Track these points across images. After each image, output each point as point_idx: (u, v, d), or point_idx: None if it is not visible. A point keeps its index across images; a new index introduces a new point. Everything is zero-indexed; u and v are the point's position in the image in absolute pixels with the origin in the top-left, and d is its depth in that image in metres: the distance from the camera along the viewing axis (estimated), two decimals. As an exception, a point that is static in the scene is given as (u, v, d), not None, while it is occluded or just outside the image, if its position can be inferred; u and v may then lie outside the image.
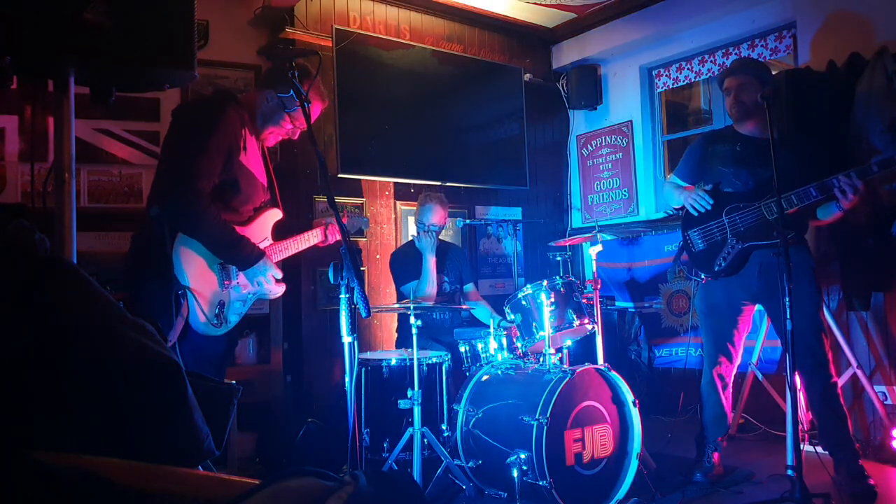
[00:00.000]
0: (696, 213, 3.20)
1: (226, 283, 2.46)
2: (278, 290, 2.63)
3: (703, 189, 3.21)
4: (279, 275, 2.58)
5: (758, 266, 3.09)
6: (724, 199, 3.15)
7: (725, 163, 3.19)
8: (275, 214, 2.71)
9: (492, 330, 3.29)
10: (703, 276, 3.21)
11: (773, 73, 3.63)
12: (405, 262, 3.95)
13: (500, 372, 3.13)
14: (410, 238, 4.20)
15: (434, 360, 3.25)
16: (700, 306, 3.32)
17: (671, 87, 5.20)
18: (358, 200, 4.52)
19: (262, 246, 2.58)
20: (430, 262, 3.79)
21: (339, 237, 2.81)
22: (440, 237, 4.03)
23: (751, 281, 3.11)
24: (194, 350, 2.38)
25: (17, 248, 1.06)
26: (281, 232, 2.75)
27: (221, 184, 2.43)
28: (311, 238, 2.82)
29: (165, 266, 2.30)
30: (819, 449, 3.06)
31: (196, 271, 2.36)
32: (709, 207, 3.15)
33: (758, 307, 3.25)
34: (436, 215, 3.89)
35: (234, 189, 2.47)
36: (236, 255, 2.45)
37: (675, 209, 3.35)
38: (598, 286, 3.43)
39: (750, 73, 3.15)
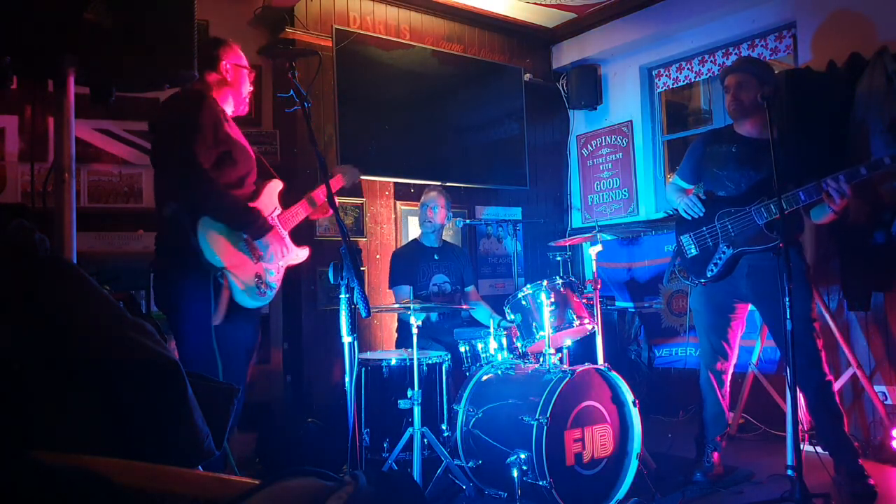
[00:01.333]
0: (689, 218, 3.21)
1: (257, 255, 2.60)
2: (302, 255, 2.84)
3: (697, 195, 3.23)
4: (287, 249, 2.75)
5: (746, 268, 3.10)
6: (717, 204, 3.16)
7: (720, 165, 3.19)
8: (277, 185, 2.82)
9: (492, 330, 3.29)
10: (697, 282, 3.23)
11: (774, 73, 3.63)
12: (403, 263, 3.97)
13: (500, 372, 3.13)
14: (413, 238, 4.21)
15: (434, 360, 3.25)
16: (694, 305, 3.33)
17: (671, 87, 5.20)
18: (358, 200, 4.52)
19: (274, 215, 2.75)
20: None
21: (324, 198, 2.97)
22: (443, 237, 4.06)
23: (739, 282, 3.12)
24: (228, 335, 2.49)
25: (17, 248, 1.06)
26: (287, 201, 2.90)
27: (218, 157, 2.51)
28: (310, 203, 2.93)
29: (196, 257, 2.40)
30: (819, 449, 3.06)
31: (226, 251, 2.48)
32: (700, 215, 3.17)
33: (752, 307, 3.26)
34: (438, 200, 4.00)
35: (230, 160, 2.56)
36: (250, 224, 2.56)
37: (675, 210, 3.36)
38: (598, 286, 3.43)
39: (750, 71, 3.14)
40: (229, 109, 2.72)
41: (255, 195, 2.70)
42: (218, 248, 2.46)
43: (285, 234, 2.77)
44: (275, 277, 2.69)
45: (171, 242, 2.48)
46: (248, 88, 2.76)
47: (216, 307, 2.44)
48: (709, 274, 3.15)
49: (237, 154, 2.59)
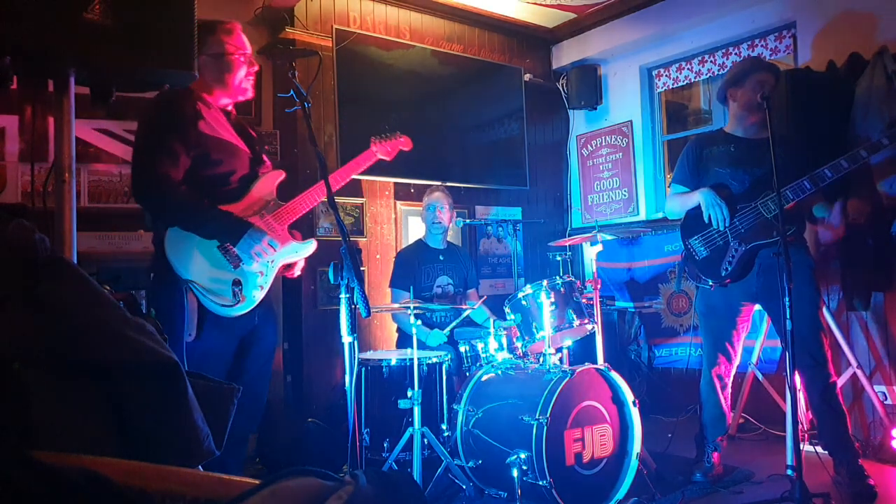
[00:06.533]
0: (706, 221, 3.14)
1: (236, 261, 2.40)
2: (304, 250, 2.58)
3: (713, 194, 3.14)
4: (277, 243, 2.46)
5: (757, 266, 3.08)
6: None
7: (721, 164, 3.18)
8: (274, 178, 2.61)
9: (492, 330, 3.29)
10: (710, 283, 3.15)
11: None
12: (407, 264, 3.97)
13: (500, 372, 3.13)
14: (418, 239, 4.19)
15: (434, 360, 3.25)
16: (699, 307, 3.32)
17: (671, 87, 5.20)
18: (358, 200, 4.52)
19: (266, 210, 2.53)
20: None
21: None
22: (448, 239, 4.06)
23: (750, 280, 3.11)
24: (205, 348, 2.34)
25: (17, 248, 1.06)
26: (292, 192, 2.66)
27: (194, 162, 2.37)
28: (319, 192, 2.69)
29: (166, 266, 2.32)
30: (819, 449, 3.06)
31: (194, 261, 2.34)
32: (727, 222, 3.05)
33: (757, 307, 3.25)
34: (444, 200, 4.01)
35: (207, 162, 2.41)
36: (218, 229, 2.38)
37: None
38: (598, 286, 3.43)
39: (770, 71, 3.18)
40: (225, 100, 2.53)
41: (243, 192, 2.50)
42: (186, 258, 2.32)
43: (281, 229, 2.56)
44: (262, 280, 2.48)
45: (156, 250, 2.39)
46: (240, 75, 2.51)
47: (187, 322, 2.29)
48: (723, 273, 3.09)
49: (216, 153, 2.43)
